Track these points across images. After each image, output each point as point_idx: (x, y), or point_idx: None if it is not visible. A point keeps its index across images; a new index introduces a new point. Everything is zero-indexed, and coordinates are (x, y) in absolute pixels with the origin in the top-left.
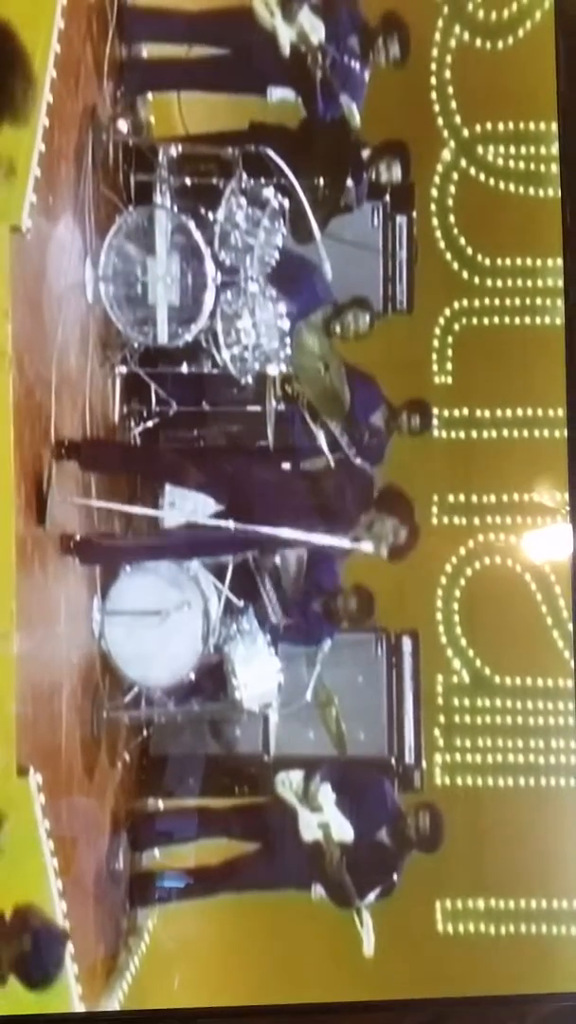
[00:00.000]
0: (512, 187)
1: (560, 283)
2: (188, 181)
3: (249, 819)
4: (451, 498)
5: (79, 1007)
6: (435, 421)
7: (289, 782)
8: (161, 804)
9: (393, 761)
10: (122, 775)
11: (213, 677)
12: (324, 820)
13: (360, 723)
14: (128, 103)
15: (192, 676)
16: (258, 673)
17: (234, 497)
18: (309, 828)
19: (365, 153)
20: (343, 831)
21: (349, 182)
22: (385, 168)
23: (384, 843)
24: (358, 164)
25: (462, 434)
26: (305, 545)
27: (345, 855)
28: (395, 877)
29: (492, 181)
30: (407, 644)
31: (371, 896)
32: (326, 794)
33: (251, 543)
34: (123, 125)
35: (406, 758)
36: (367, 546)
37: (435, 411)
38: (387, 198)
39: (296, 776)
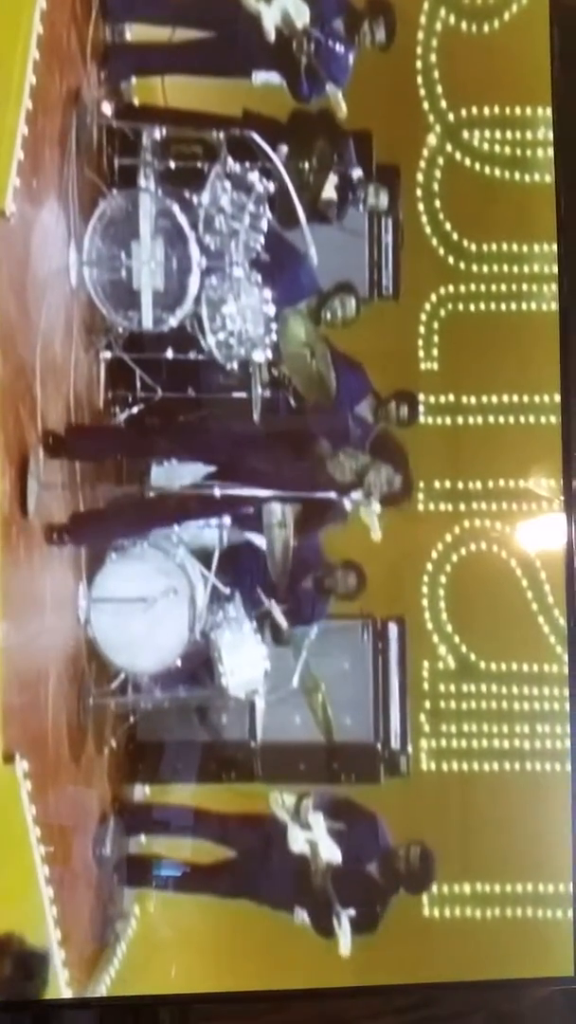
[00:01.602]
0: (499, 172)
1: (552, 269)
2: (172, 164)
3: (234, 826)
4: (437, 484)
5: (67, 993)
6: (422, 408)
7: (282, 800)
8: (148, 790)
9: (379, 746)
10: (109, 761)
11: (200, 664)
12: (313, 839)
13: (347, 709)
14: (112, 86)
15: (179, 663)
16: (245, 660)
17: (221, 459)
18: (298, 841)
19: (355, 174)
20: (331, 854)
21: (332, 193)
22: (373, 194)
23: (372, 876)
24: (345, 180)
25: (448, 420)
26: (294, 501)
27: (331, 874)
28: (378, 910)
29: (479, 166)
30: (393, 630)
31: (352, 911)
32: (317, 820)
33: (239, 502)
34: (108, 108)
35: (392, 743)
36: (356, 496)
37: (421, 397)
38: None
39: (289, 798)
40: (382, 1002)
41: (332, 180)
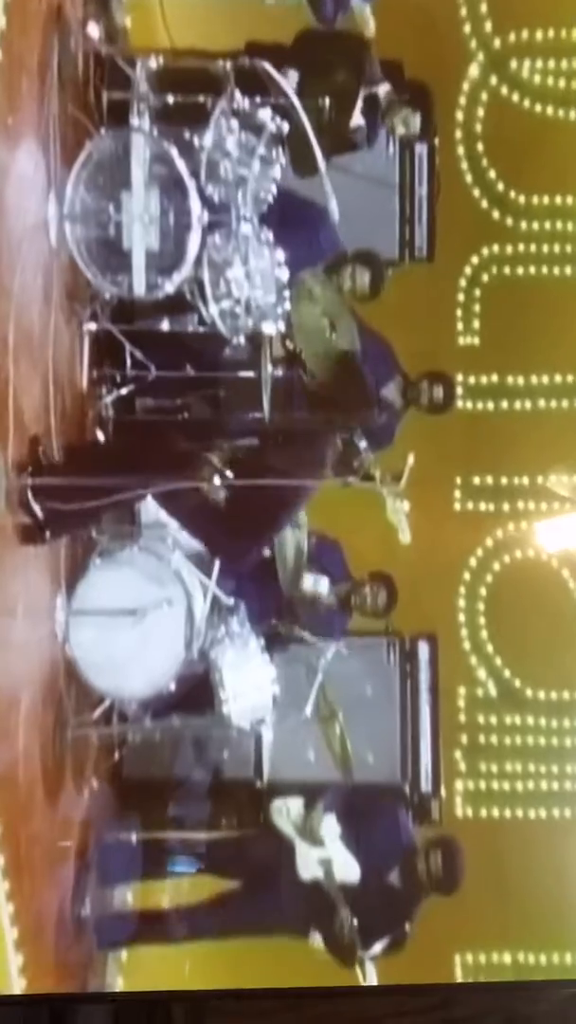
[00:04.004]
0: (553, 110)
1: None
2: (171, 99)
3: (238, 852)
4: (476, 480)
5: None
6: (459, 390)
7: (287, 811)
8: (135, 836)
9: (407, 788)
10: (90, 803)
11: (197, 688)
12: (326, 856)
13: (369, 743)
14: (100, 3)
15: (172, 687)
16: (250, 683)
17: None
18: (308, 865)
19: (382, 89)
20: (348, 870)
21: (360, 119)
22: (401, 121)
23: (394, 886)
24: (372, 101)
25: (491, 405)
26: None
27: (349, 898)
28: (407, 927)
29: (528, 102)
30: (424, 650)
31: (377, 947)
32: (330, 826)
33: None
34: (94, 30)
35: (422, 785)
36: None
37: (459, 378)
38: None
39: (295, 804)
40: (400, 1003)
41: (358, 105)
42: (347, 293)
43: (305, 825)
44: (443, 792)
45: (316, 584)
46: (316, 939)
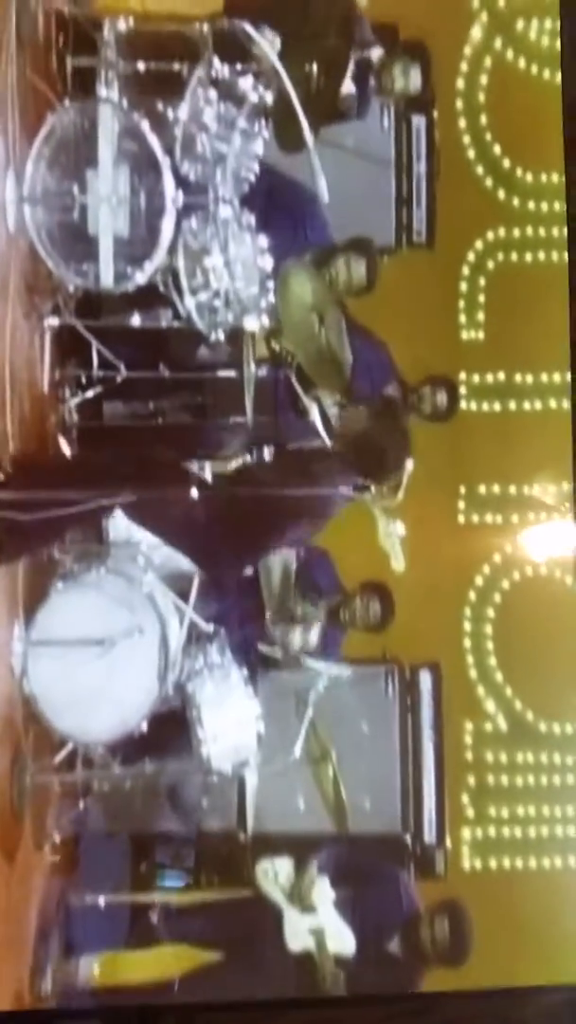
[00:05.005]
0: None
1: None
2: (142, 67)
3: (218, 919)
4: (482, 489)
5: None
6: (463, 390)
7: (274, 873)
8: (102, 899)
9: (408, 839)
10: (52, 859)
11: (172, 727)
12: (318, 925)
13: (365, 787)
14: None
15: (144, 726)
16: (232, 720)
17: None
18: (297, 934)
19: (374, 54)
20: (342, 940)
21: (350, 86)
22: (400, 72)
23: (395, 956)
24: (364, 66)
25: (497, 406)
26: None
27: (344, 972)
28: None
29: (535, 68)
30: (426, 680)
31: None
32: (322, 891)
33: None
34: None
35: (425, 835)
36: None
37: (462, 377)
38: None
39: (284, 866)
40: (384, 1010)
41: (349, 70)
42: (341, 287)
43: (295, 890)
44: (448, 842)
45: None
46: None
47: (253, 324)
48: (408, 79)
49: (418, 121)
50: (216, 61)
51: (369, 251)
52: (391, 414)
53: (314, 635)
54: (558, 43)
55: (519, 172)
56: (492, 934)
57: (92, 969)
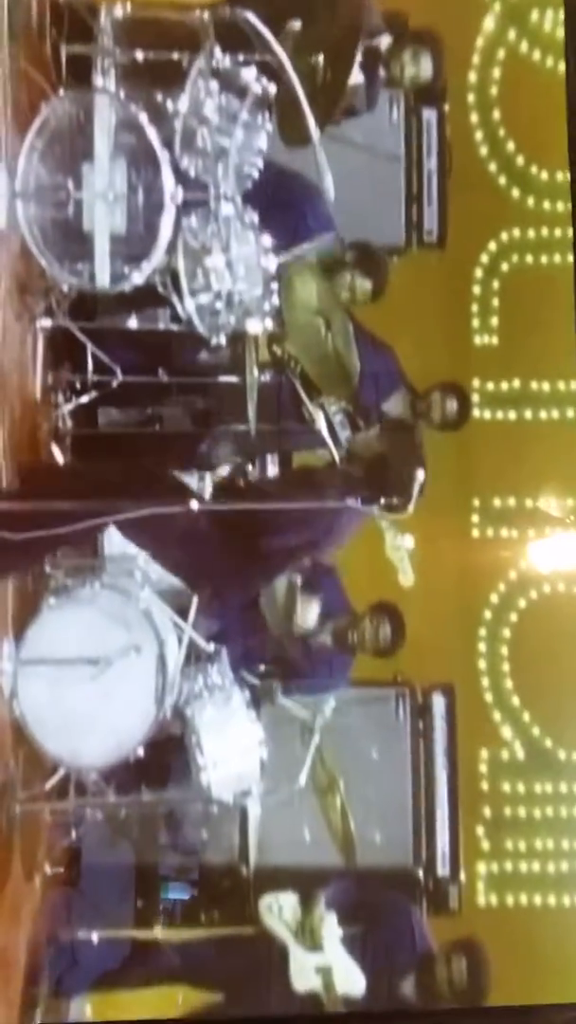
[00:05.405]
0: None
1: None
2: (140, 56)
3: (219, 957)
4: (497, 502)
5: None
6: (475, 398)
7: (279, 909)
8: (95, 935)
9: (421, 873)
10: (43, 892)
11: (170, 753)
12: (325, 964)
13: (375, 818)
14: None
15: (140, 752)
16: (233, 746)
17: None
18: (303, 974)
19: (383, 42)
20: (351, 980)
21: (358, 76)
22: (410, 59)
23: (407, 998)
24: (372, 55)
25: (512, 414)
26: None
27: (353, 1014)
28: None
29: (550, 61)
30: (439, 704)
31: None
32: (330, 928)
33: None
34: None
35: (438, 869)
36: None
37: (475, 384)
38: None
39: (289, 901)
40: None
41: (356, 59)
42: (344, 302)
43: (301, 927)
44: (463, 876)
45: (305, 611)
46: None
47: (256, 327)
48: (419, 66)
49: (428, 115)
50: (217, 50)
51: (376, 270)
52: (406, 435)
53: (312, 615)
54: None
55: (534, 170)
56: (508, 975)
57: (85, 1009)
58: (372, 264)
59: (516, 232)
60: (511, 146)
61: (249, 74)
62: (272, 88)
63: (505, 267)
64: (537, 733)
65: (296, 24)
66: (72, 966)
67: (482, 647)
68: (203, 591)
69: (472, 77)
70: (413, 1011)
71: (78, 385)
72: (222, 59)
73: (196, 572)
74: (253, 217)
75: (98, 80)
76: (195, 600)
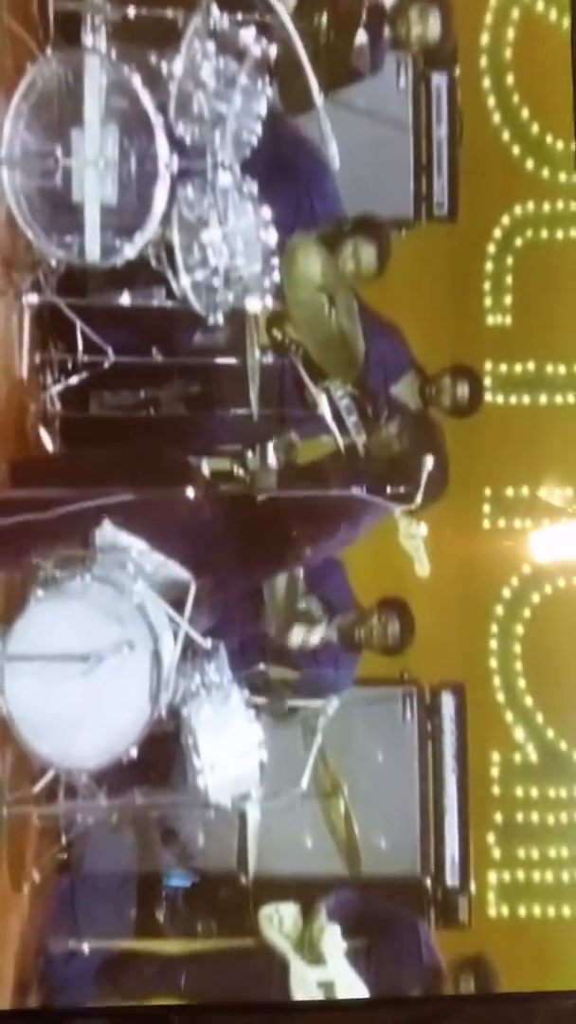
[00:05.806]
0: None
1: None
2: (132, 13)
3: (217, 971)
4: (510, 491)
5: None
6: (488, 381)
7: (279, 920)
8: (87, 946)
9: (428, 882)
10: (31, 901)
11: (165, 754)
12: (328, 978)
13: (381, 824)
14: None
15: (133, 752)
16: (231, 747)
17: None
18: (305, 988)
19: (388, 1)
20: (355, 995)
21: (362, 36)
22: (417, 17)
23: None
24: (377, 14)
25: (526, 399)
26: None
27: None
28: None
29: (567, 21)
30: (448, 704)
31: None
32: (333, 940)
33: None
34: None
35: (447, 878)
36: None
37: (487, 367)
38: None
39: (289, 912)
40: (394, 1013)
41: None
42: (348, 277)
43: (302, 938)
44: (472, 886)
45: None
46: None
47: (256, 305)
48: (426, 24)
49: (438, 80)
50: (215, 9)
51: (379, 234)
52: (427, 431)
53: (315, 637)
54: None
55: (549, 139)
56: (520, 989)
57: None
58: (373, 228)
59: (531, 205)
60: (525, 113)
61: (248, 35)
62: (272, 50)
63: (519, 242)
64: (551, 735)
65: None
66: (62, 981)
67: (494, 644)
68: (204, 579)
69: (484, 38)
70: (415, 997)
71: (68, 366)
72: (219, 19)
73: (198, 560)
74: (252, 188)
75: (88, 39)
76: (192, 591)
